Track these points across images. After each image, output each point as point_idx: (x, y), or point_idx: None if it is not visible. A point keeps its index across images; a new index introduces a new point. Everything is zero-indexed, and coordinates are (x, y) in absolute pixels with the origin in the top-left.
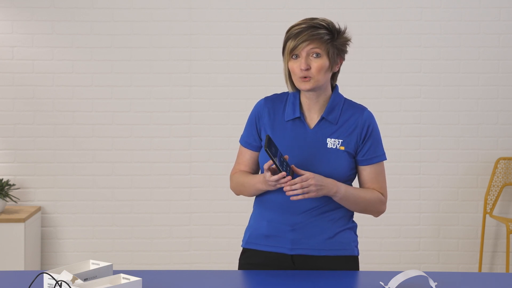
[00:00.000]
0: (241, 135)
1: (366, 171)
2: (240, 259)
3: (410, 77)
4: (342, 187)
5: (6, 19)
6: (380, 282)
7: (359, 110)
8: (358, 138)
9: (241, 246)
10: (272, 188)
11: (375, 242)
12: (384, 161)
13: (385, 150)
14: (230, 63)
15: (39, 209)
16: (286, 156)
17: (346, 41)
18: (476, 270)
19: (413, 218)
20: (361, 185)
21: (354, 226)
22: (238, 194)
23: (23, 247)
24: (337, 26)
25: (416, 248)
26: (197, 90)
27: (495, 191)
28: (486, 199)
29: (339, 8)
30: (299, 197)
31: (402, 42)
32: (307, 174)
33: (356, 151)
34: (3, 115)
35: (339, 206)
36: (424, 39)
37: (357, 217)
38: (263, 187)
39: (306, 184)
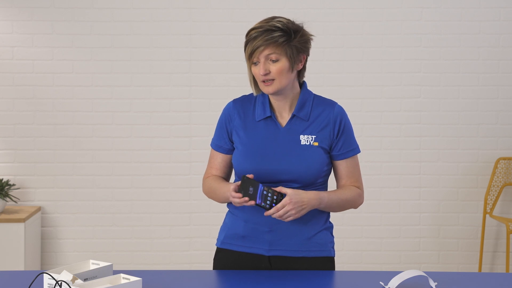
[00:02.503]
0: (212, 139)
1: (342, 165)
2: (214, 259)
3: (410, 77)
4: (324, 197)
5: (6, 19)
6: (380, 282)
7: (330, 105)
8: (331, 134)
9: (216, 245)
10: (239, 205)
11: (375, 242)
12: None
13: (385, 150)
14: (230, 63)
15: (39, 209)
16: (276, 188)
17: (306, 39)
18: (476, 270)
19: (413, 218)
20: (337, 179)
21: (331, 226)
22: (210, 198)
23: (23, 247)
24: (294, 25)
25: (416, 248)
26: (197, 90)
27: (495, 191)
28: (486, 199)
29: (339, 8)
30: (287, 219)
31: (402, 42)
32: (285, 198)
33: (330, 146)
34: (3, 115)
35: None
36: (424, 39)
37: (357, 216)
38: (222, 197)
39: (283, 212)
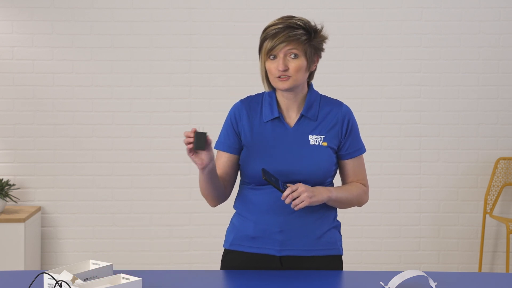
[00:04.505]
0: (217, 141)
1: (349, 165)
2: (223, 261)
3: (410, 77)
4: (333, 192)
5: (6, 19)
6: (380, 282)
7: (337, 105)
8: (339, 134)
9: (223, 247)
10: (199, 166)
11: (375, 242)
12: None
13: (385, 150)
14: (230, 63)
15: (39, 209)
16: (289, 184)
17: (323, 39)
18: (476, 270)
19: (413, 218)
20: (343, 178)
21: (339, 225)
22: (203, 195)
23: (23, 247)
24: (313, 25)
25: (416, 248)
26: (197, 90)
27: (495, 191)
28: (486, 199)
29: (339, 8)
30: (300, 205)
31: (402, 42)
32: (297, 184)
33: (338, 146)
34: (3, 115)
35: (324, 205)
36: (424, 39)
37: (357, 217)
38: (199, 172)
39: (297, 193)
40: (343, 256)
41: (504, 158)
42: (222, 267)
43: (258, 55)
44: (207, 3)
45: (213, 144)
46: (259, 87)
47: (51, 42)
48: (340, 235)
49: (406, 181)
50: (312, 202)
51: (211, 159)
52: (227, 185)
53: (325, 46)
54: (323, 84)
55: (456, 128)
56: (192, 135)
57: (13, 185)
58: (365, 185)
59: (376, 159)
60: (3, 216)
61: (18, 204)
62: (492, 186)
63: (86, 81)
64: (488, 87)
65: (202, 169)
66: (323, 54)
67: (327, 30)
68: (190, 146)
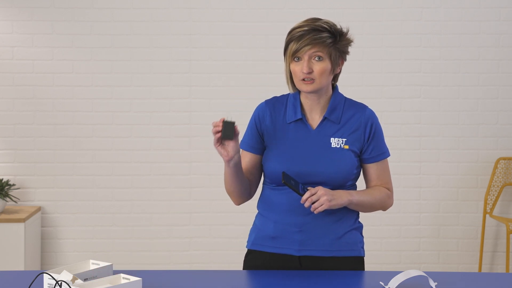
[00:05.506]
0: (241, 140)
1: (372, 169)
2: (245, 261)
3: (410, 77)
4: (354, 196)
5: (6, 19)
6: (380, 282)
7: (361, 109)
8: (362, 137)
9: (246, 247)
10: (225, 158)
11: (375, 242)
12: (390, 161)
13: None
14: (230, 63)
15: (39, 209)
16: (309, 188)
17: (348, 43)
18: (476, 270)
19: (413, 218)
20: (367, 182)
21: (360, 226)
22: (228, 192)
23: (23, 247)
24: (339, 28)
25: (416, 248)
26: (197, 90)
27: (495, 191)
28: (486, 199)
29: (339, 8)
30: (319, 209)
31: (402, 42)
32: (316, 187)
33: (361, 150)
34: (3, 115)
35: (345, 207)
36: (424, 39)
37: None
38: (225, 166)
39: (316, 197)
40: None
41: (504, 158)
42: (244, 267)
43: (259, 55)
44: (207, 3)
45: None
46: (260, 87)
47: (51, 42)
48: (362, 236)
49: (406, 181)
50: (332, 206)
51: (237, 151)
52: (252, 184)
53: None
54: None
55: (456, 128)
56: (220, 124)
57: (13, 185)
58: (389, 189)
59: None
60: (3, 216)
61: (18, 204)
62: (492, 186)
63: (86, 81)
64: (488, 87)
65: (228, 161)
66: None
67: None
68: (219, 135)
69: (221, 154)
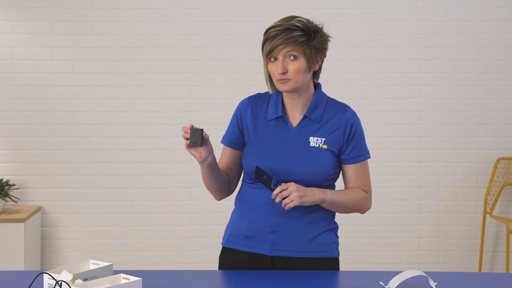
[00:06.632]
0: (223, 135)
1: (351, 170)
2: (220, 258)
3: (410, 77)
4: (329, 194)
5: (6, 19)
6: (380, 282)
7: (342, 109)
8: (342, 138)
9: (221, 244)
10: (198, 160)
11: (375, 242)
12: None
13: (385, 150)
14: (230, 63)
15: (39, 209)
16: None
17: (324, 40)
18: (476, 270)
19: (413, 218)
20: (346, 183)
21: (335, 227)
22: (208, 190)
23: (23, 247)
24: (314, 25)
25: (416, 248)
26: (197, 90)
27: (495, 191)
28: (486, 199)
29: (339, 8)
30: (289, 205)
31: (402, 42)
32: (288, 183)
33: (340, 150)
34: (3, 115)
35: (320, 208)
36: (424, 39)
37: (357, 216)
38: (200, 166)
39: (286, 193)
40: (342, 257)
41: (504, 158)
42: (219, 265)
43: (259, 55)
44: (207, 3)
45: (220, 139)
46: (259, 87)
47: (51, 42)
48: (337, 237)
49: (406, 181)
50: (303, 202)
51: (210, 152)
52: (231, 180)
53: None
54: (323, 84)
55: (456, 128)
56: (188, 131)
57: (13, 185)
58: (368, 191)
59: (376, 159)
60: (3, 216)
61: (18, 204)
62: (492, 186)
63: (86, 81)
64: (488, 87)
65: (201, 162)
66: None
67: (327, 30)
68: (187, 141)
69: (194, 156)
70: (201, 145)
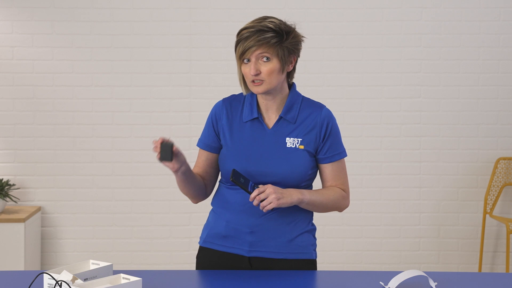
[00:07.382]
0: (199, 138)
1: (328, 169)
2: (197, 257)
3: (410, 77)
4: (306, 195)
5: (6, 19)
6: (380, 282)
7: (317, 108)
8: (317, 137)
9: (198, 243)
10: (171, 170)
11: (375, 242)
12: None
13: (385, 150)
14: (230, 63)
15: (39, 209)
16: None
17: (297, 40)
18: (476, 270)
19: (413, 218)
20: (323, 182)
21: (313, 229)
22: (183, 193)
23: (23, 247)
24: (287, 25)
25: (416, 248)
26: (197, 90)
27: (495, 191)
28: (486, 199)
29: (339, 8)
30: (267, 207)
31: (402, 42)
32: (266, 185)
33: (316, 150)
34: (3, 115)
35: (299, 209)
36: (424, 39)
37: (357, 216)
38: (174, 174)
39: (264, 195)
40: (342, 257)
41: (504, 158)
42: (197, 265)
43: None
44: (207, 3)
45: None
46: None
47: (51, 42)
48: (315, 238)
49: (406, 181)
50: (281, 204)
51: (182, 163)
52: (207, 183)
53: (326, 45)
54: (323, 84)
55: (456, 128)
56: (159, 145)
57: (13, 185)
58: (345, 190)
59: (376, 159)
60: (3, 216)
61: (18, 204)
62: (492, 186)
63: (86, 81)
64: (488, 87)
65: (175, 172)
66: (324, 54)
67: (328, 30)
68: (158, 156)
69: (167, 166)
70: (171, 160)
